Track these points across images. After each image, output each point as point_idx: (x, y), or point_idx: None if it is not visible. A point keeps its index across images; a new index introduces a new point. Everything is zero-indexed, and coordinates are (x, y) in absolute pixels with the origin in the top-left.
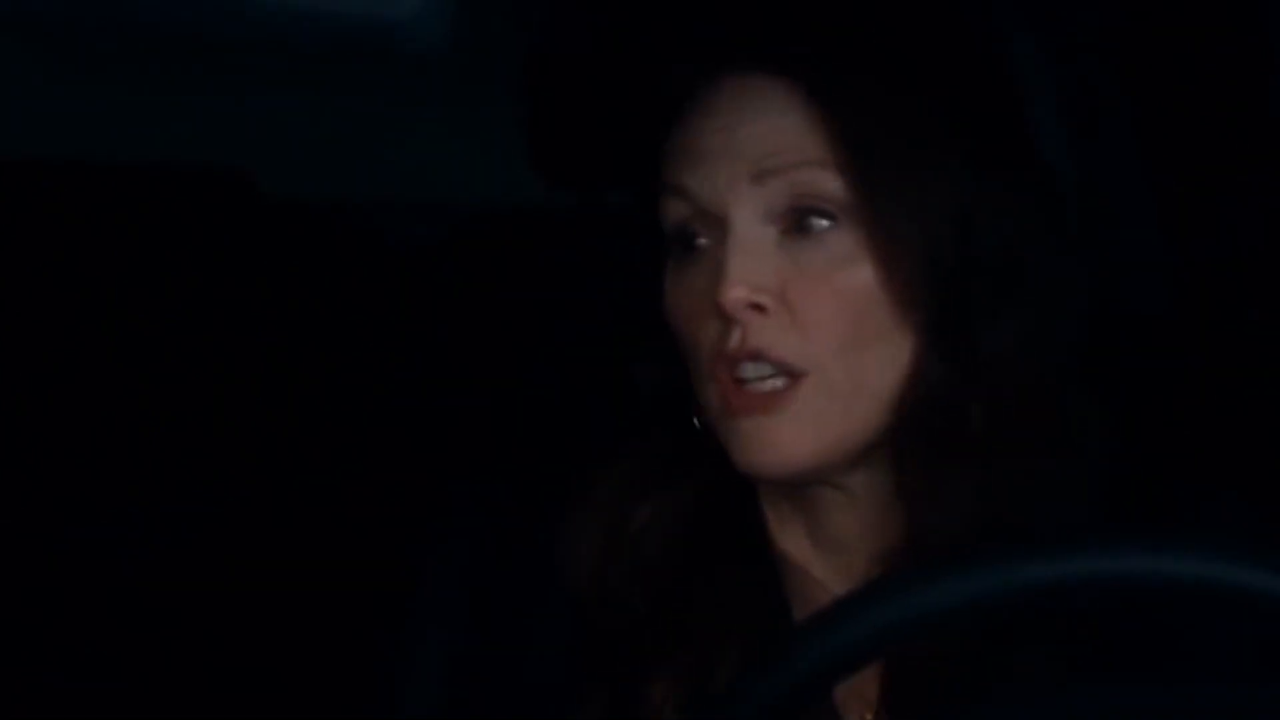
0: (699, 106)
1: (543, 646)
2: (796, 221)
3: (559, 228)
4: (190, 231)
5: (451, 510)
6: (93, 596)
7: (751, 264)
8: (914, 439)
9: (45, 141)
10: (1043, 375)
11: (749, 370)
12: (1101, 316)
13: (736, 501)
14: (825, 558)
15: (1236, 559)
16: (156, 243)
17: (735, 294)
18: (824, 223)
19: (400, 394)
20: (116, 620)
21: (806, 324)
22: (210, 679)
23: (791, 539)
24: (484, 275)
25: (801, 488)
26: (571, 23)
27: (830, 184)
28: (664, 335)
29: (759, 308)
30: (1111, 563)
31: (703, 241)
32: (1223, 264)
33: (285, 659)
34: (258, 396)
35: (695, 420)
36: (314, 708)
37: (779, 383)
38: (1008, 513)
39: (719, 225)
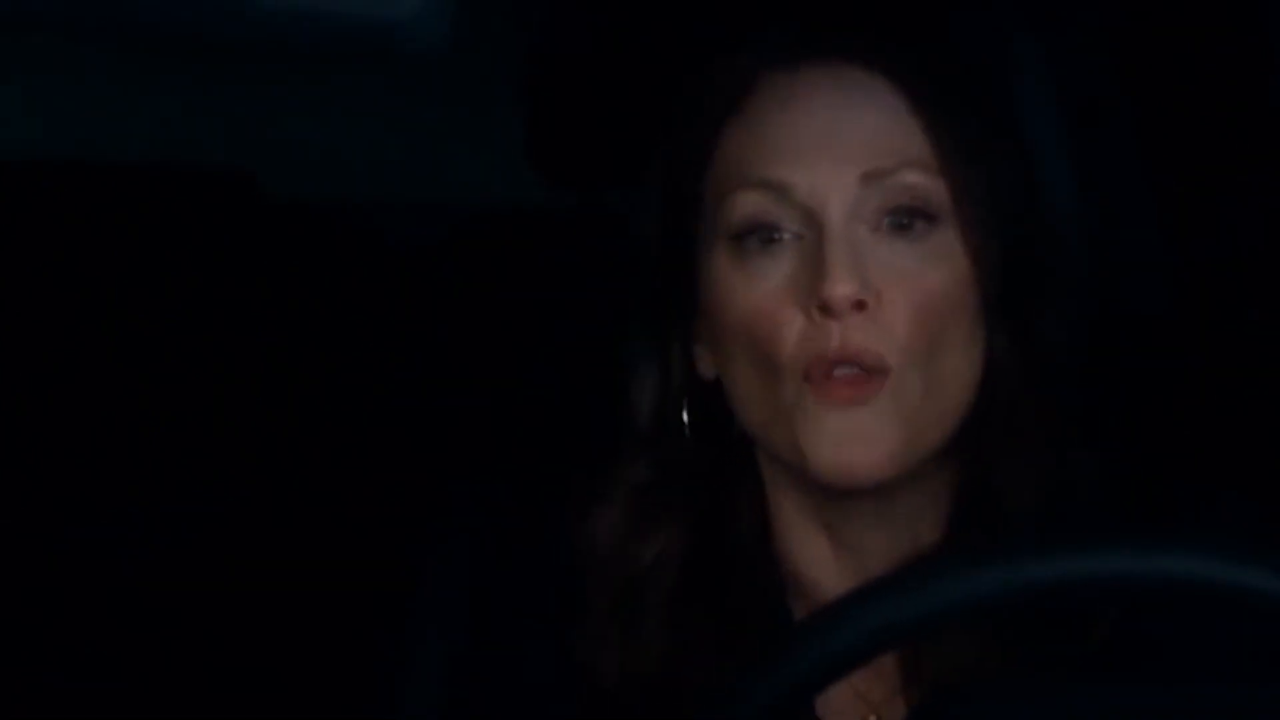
0: (790, 97)
1: (543, 646)
2: (889, 220)
3: (559, 228)
4: (190, 231)
5: (451, 510)
6: (93, 596)
7: (856, 260)
8: (988, 431)
9: (45, 141)
10: (1056, 374)
11: (840, 367)
12: (1101, 316)
13: (737, 514)
14: (840, 567)
15: (1236, 559)
16: (157, 243)
17: (844, 290)
18: (920, 222)
19: (400, 394)
20: (116, 620)
21: (897, 322)
22: (210, 679)
23: (805, 549)
24: (484, 275)
25: (837, 498)
26: (581, 18)
27: (930, 184)
28: (659, 340)
29: (861, 305)
30: (1111, 563)
31: (780, 236)
32: (1223, 264)
33: (285, 659)
34: (258, 397)
35: (685, 431)
36: (314, 708)
37: (866, 376)
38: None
39: (810, 220)
